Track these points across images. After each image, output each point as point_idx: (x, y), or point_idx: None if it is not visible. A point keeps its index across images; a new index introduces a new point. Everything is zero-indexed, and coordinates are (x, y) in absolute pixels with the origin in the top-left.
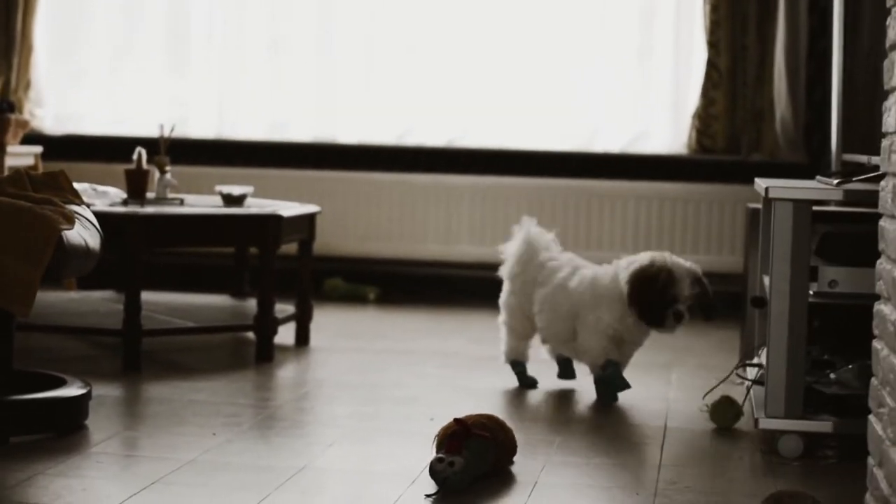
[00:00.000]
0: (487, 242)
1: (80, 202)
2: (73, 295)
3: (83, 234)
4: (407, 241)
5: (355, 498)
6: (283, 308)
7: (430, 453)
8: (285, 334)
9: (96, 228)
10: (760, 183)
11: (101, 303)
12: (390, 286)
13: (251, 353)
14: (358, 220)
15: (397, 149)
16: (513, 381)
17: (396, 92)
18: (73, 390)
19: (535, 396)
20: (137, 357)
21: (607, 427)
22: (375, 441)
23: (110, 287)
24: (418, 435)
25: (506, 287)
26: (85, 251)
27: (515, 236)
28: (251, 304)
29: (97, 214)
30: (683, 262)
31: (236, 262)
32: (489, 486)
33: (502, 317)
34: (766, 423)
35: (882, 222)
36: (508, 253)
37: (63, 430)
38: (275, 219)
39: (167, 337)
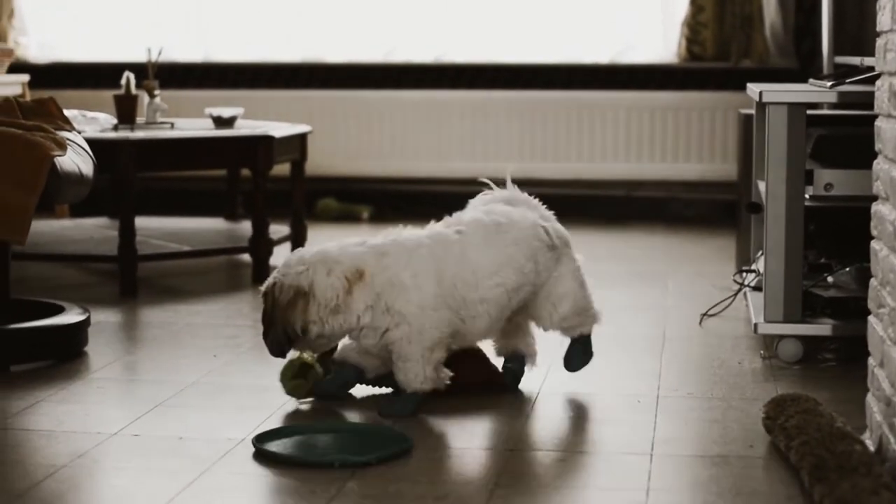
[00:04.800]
0: (479, 157)
1: (71, 128)
2: (67, 222)
3: (76, 160)
4: (398, 159)
5: (367, 413)
6: (278, 229)
7: None
8: (280, 255)
9: (89, 154)
10: (753, 88)
11: (94, 229)
12: (383, 204)
13: (247, 275)
14: (348, 140)
15: (385, 66)
16: None
17: (382, 8)
18: (71, 317)
19: None
20: (134, 282)
21: (606, 336)
22: None
23: (103, 214)
24: None
25: None
26: (78, 177)
27: None
28: (245, 226)
29: (88, 141)
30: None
31: (229, 185)
32: (492, 397)
33: None
34: (765, 328)
35: (878, 122)
36: None
37: (63, 357)
38: (266, 140)
39: (162, 262)
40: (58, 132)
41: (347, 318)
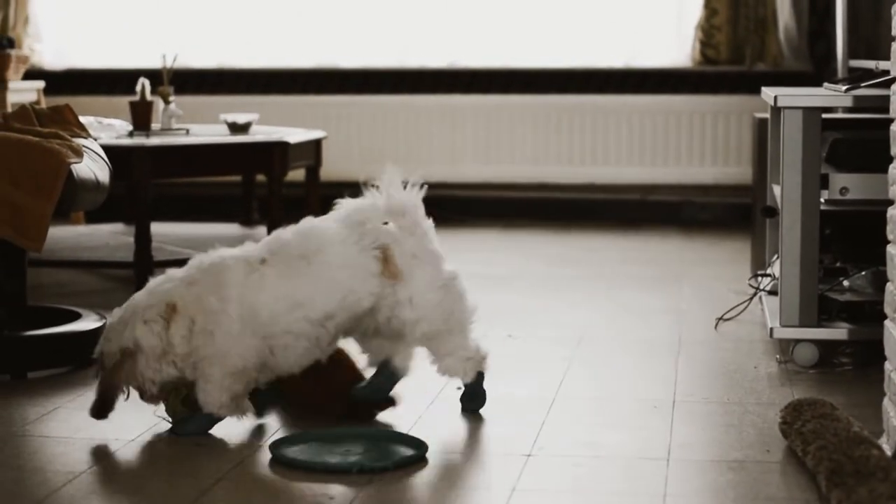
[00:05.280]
0: (493, 162)
1: (87, 135)
2: (82, 229)
3: (92, 167)
4: (412, 164)
5: (379, 418)
6: None
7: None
8: None
9: (105, 161)
10: (768, 92)
11: (110, 236)
12: None
13: None
14: (362, 144)
15: (399, 71)
16: (532, 297)
17: (396, 13)
18: (88, 324)
19: (548, 315)
20: None
21: (621, 340)
22: None
23: (118, 220)
24: None
25: None
26: (95, 184)
27: None
28: (260, 231)
29: (104, 147)
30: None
31: (244, 191)
32: (508, 403)
33: None
34: (781, 333)
35: (894, 126)
36: None
37: (80, 364)
38: (281, 145)
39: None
40: (74, 139)
41: (174, 354)
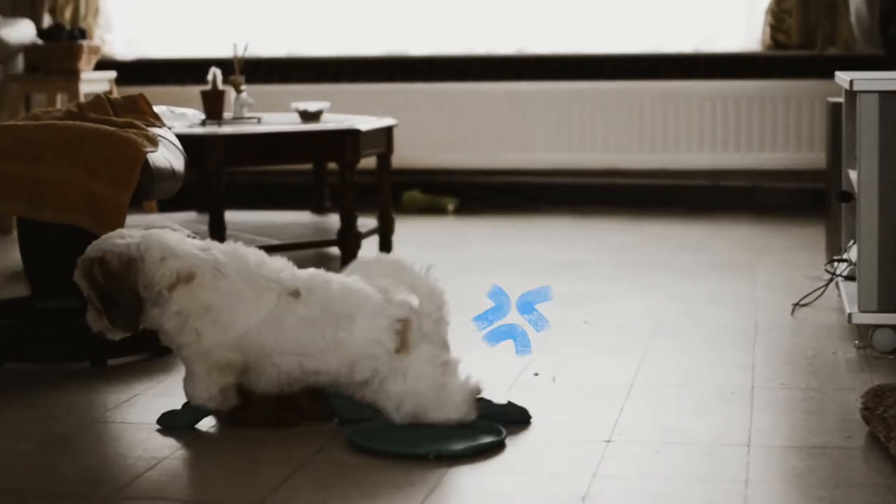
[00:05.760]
0: (563, 149)
1: (161, 125)
2: (156, 217)
3: (167, 156)
4: (483, 151)
5: None
6: (365, 222)
7: (518, 362)
8: (368, 248)
9: (179, 150)
10: (843, 76)
11: (184, 224)
12: (468, 196)
13: (335, 268)
14: (433, 132)
15: (468, 58)
16: (606, 284)
17: (465, 1)
18: None
19: (623, 302)
20: None
21: (696, 327)
22: (467, 350)
23: (191, 208)
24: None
25: None
26: (170, 173)
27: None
28: (332, 219)
29: (177, 136)
30: None
31: (315, 179)
32: (584, 389)
33: None
34: (860, 318)
35: None
36: None
37: (158, 351)
38: (353, 133)
39: None
40: (149, 128)
41: (158, 314)
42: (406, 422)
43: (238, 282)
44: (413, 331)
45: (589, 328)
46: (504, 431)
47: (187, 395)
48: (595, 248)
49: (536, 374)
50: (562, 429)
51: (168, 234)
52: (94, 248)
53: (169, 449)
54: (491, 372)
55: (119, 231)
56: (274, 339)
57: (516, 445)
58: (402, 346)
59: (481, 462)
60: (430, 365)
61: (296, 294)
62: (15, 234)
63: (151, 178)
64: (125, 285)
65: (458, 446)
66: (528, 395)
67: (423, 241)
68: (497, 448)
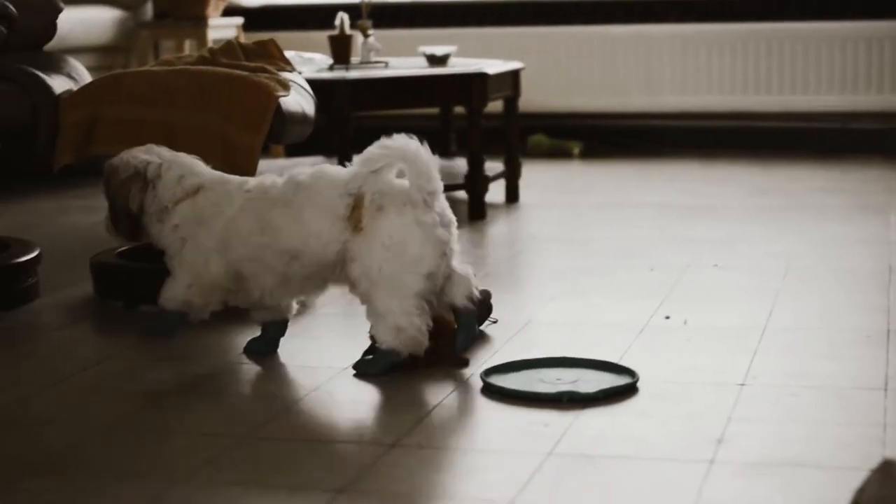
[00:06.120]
0: (689, 91)
1: (292, 69)
2: (283, 162)
3: (299, 100)
4: (609, 94)
5: (585, 348)
6: (491, 166)
7: (649, 305)
8: (494, 192)
9: (310, 94)
10: None
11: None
12: (594, 140)
13: (463, 212)
14: (559, 75)
15: (594, 1)
16: (735, 227)
17: None
18: None
19: (753, 246)
20: None
21: (829, 271)
22: (597, 293)
23: (317, 153)
24: (639, 286)
25: None
26: (302, 117)
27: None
28: (458, 163)
29: (306, 81)
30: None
31: (441, 123)
32: (714, 331)
33: None
34: None
35: None
36: None
37: None
38: (480, 77)
39: None
40: (280, 73)
41: (158, 230)
42: (362, 301)
43: (232, 190)
44: (366, 205)
45: (719, 271)
46: (638, 375)
47: (161, 296)
48: (723, 192)
49: (668, 318)
50: (695, 372)
51: (191, 159)
52: (118, 156)
53: (303, 390)
54: (621, 315)
55: (153, 147)
56: (243, 231)
57: (649, 389)
58: (355, 222)
59: (614, 405)
60: (380, 248)
61: (272, 185)
62: None
63: (284, 122)
64: (122, 197)
65: (592, 389)
66: (660, 338)
67: (549, 185)
68: (630, 391)
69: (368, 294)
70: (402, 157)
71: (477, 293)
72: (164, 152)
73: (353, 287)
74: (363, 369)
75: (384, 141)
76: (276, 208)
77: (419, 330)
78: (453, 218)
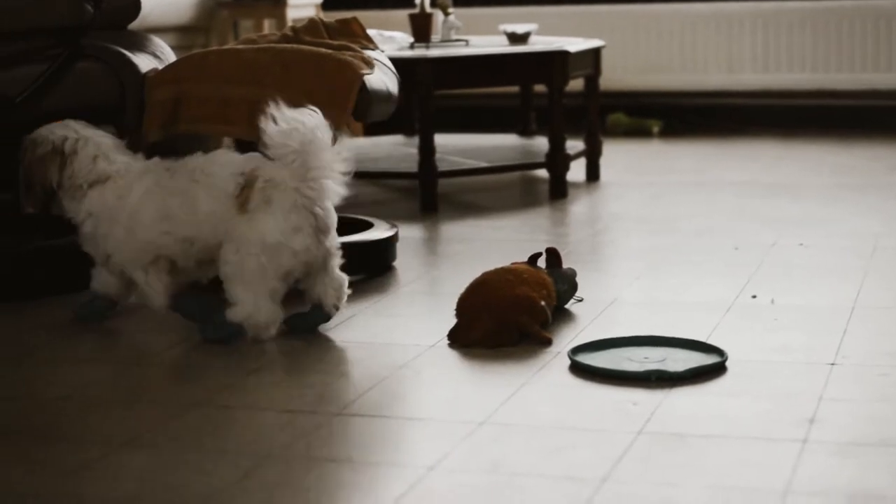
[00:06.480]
0: (770, 70)
1: (375, 47)
2: (363, 141)
3: (383, 77)
4: (689, 72)
5: (671, 327)
6: (571, 145)
7: (734, 284)
8: (575, 171)
9: (393, 72)
10: None
11: (392, 147)
12: (673, 118)
13: (543, 191)
14: (638, 54)
15: None
16: (820, 206)
17: None
18: (381, 232)
19: (838, 225)
20: (434, 198)
21: None
22: (682, 272)
23: (396, 132)
24: (724, 265)
25: None
26: (386, 94)
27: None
28: (539, 142)
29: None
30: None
31: (522, 102)
32: (803, 313)
33: None
34: None
35: None
36: None
37: (374, 272)
38: (562, 55)
39: (458, 178)
40: (363, 51)
41: (74, 208)
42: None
43: (133, 180)
44: (257, 188)
45: (805, 250)
46: (727, 354)
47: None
48: (806, 170)
49: (754, 297)
50: (784, 351)
51: (107, 139)
52: (36, 131)
53: (390, 368)
54: (707, 294)
55: (69, 123)
56: (150, 214)
57: (738, 368)
58: (242, 203)
59: (703, 384)
60: (255, 240)
61: (170, 170)
62: None
63: (368, 99)
64: (39, 171)
65: (680, 368)
66: (747, 317)
67: (629, 163)
68: (719, 370)
69: (229, 279)
70: (301, 147)
71: (344, 303)
72: (81, 128)
73: (220, 264)
74: (208, 333)
75: (289, 120)
76: (173, 197)
77: (268, 320)
78: (333, 223)
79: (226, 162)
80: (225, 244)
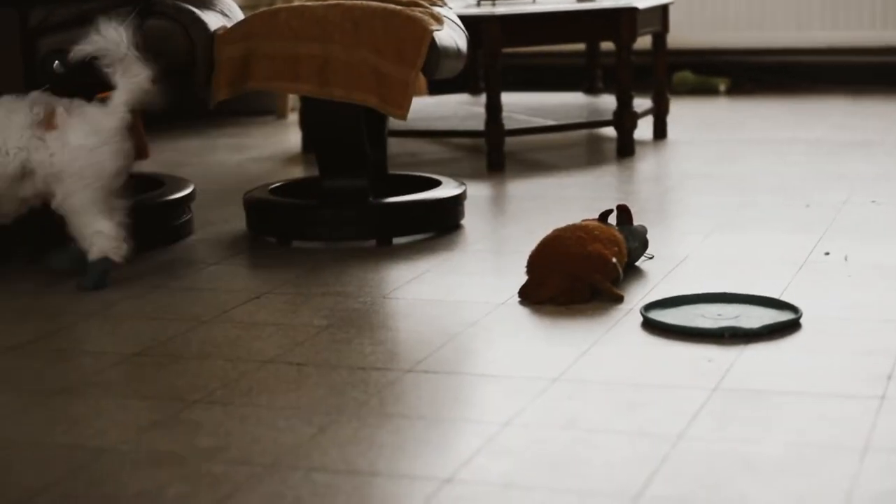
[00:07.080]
0: (840, 27)
1: (443, 4)
2: (428, 99)
3: (452, 34)
4: (757, 30)
5: (746, 284)
6: (639, 103)
7: (807, 241)
8: (642, 129)
9: (462, 29)
10: None
11: (457, 106)
12: (741, 77)
13: (610, 149)
14: (705, 11)
15: None
16: (893, 164)
17: None
18: (449, 191)
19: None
20: (501, 157)
21: None
22: (753, 230)
23: (461, 90)
24: (795, 222)
25: None
26: (456, 52)
27: None
28: (605, 100)
29: None
30: None
31: (588, 59)
32: (882, 270)
33: None
34: None
35: None
36: None
37: (442, 230)
38: (630, 11)
39: (525, 136)
40: (432, 7)
41: None
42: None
43: None
44: (59, 114)
45: (877, 207)
46: (801, 311)
47: None
48: (878, 128)
49: (827, 254)
50: (858, 308)
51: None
52: None
53: (462, 325)
54: (779, 251)
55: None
56: None
57: (813, 324)
58: (48, 124)
59: (778, 340)
60: (81, 147)
61: None
62: (291, 117)
63: (438, 56)
64: None
65: (754, 325)
66: (820, 274)
67: (696, 121)
68: (793, 327)
69: (63, 206)
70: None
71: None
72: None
73: (51, 195)
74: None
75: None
76: None
77: (115, 232)
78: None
79: (13, 105)
80: (37, 169)
